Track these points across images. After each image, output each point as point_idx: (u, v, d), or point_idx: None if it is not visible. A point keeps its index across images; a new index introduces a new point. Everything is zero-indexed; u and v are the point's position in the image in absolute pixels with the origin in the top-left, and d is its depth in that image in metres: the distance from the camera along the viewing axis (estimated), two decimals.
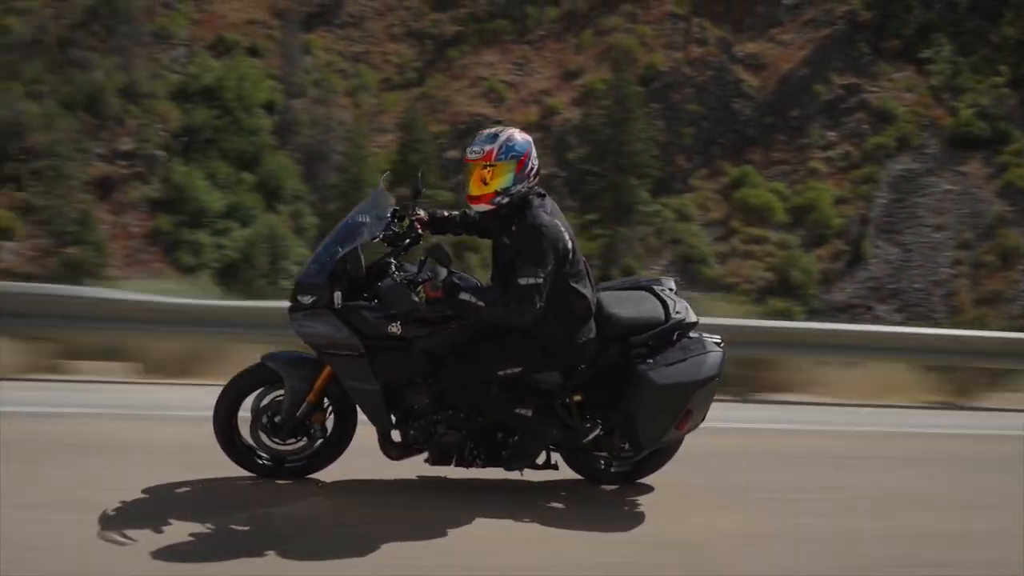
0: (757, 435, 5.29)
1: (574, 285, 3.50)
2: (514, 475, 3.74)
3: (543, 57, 37.03)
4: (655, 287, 3.86)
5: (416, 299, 3.46)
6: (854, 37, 38.00)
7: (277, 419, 3.58)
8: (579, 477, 3.95)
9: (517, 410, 3.54)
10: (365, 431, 3.65)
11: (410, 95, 35.94)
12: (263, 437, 3.63)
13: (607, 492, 3.95)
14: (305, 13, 37.21)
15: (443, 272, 3.48)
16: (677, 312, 3.68)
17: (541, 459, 3.71)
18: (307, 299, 3.47)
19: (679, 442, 3.86)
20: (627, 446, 3.68)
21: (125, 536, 3.08)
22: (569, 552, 3.29)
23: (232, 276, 25.77)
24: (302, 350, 3.73)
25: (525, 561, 3.20)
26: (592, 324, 3.58)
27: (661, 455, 3.87)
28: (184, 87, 33.46)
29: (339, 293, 3.45)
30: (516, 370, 3.51)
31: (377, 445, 3.65)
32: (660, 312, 3.67)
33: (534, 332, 3.46)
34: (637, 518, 3.68)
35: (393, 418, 3.60)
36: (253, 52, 35.82)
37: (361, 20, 38.42)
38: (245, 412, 3.65)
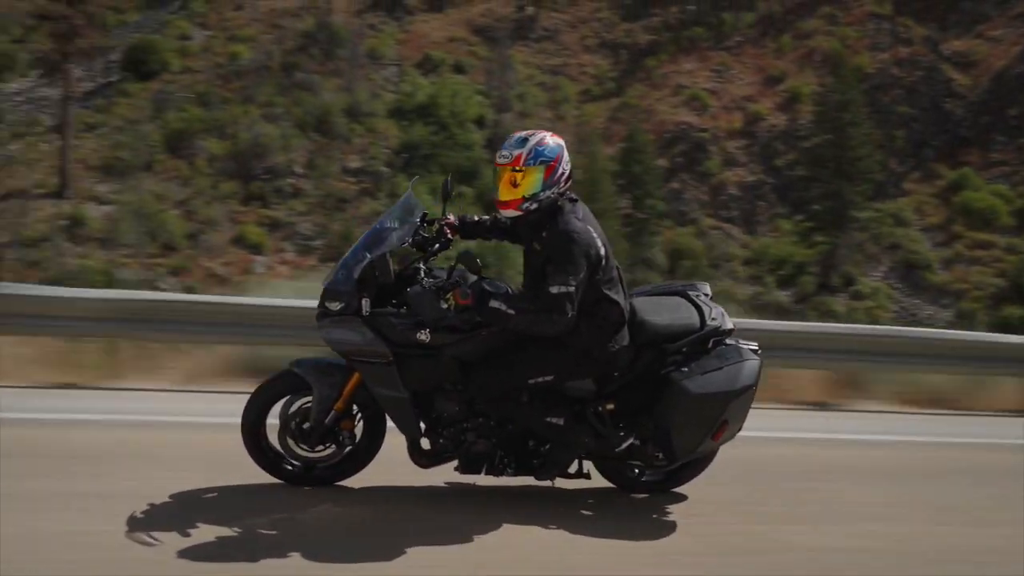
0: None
1: (607, 292, 3.38)
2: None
3: (742, 63, 36.82)
4: (690, 292, 3.73)
5: (444, 306, 3.35)
6: None
7: (306, 426, 3.49)
8: (610, 485, 3.82)
9: (548, 419, 3.40)
10: (394, 438, 3.56)
11: (609, 105, 36.36)
12: (291, 444, 3.54)
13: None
14: (505, 29, 38.17)
15: (472, 278, 3.39)
16: (713, 319, 3.55)
17: (573, 468, 3.59)
18: (335, 305, 3.38)
19: (715, 452, 3.71)
20: (661, 456, 3.52)
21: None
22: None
23: None
24: (331, 356, 3.66)
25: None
26: (625, 331, 3.44)
27: (696, 464, 3.74)
28: (400, 105, 34.89)
29: (367, 300, 3.36)
30: (548, 379, 3.38)
31: (406, 452, 3.55)
32: (695, 319, 3.54)
33: (566, 340, 3.34)
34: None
35: (423, 426, 3.49)
36: (458, 69, 37.02)
37: (556, 33, 39.15)
38: (272, 419, 3.59)
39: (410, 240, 3.53)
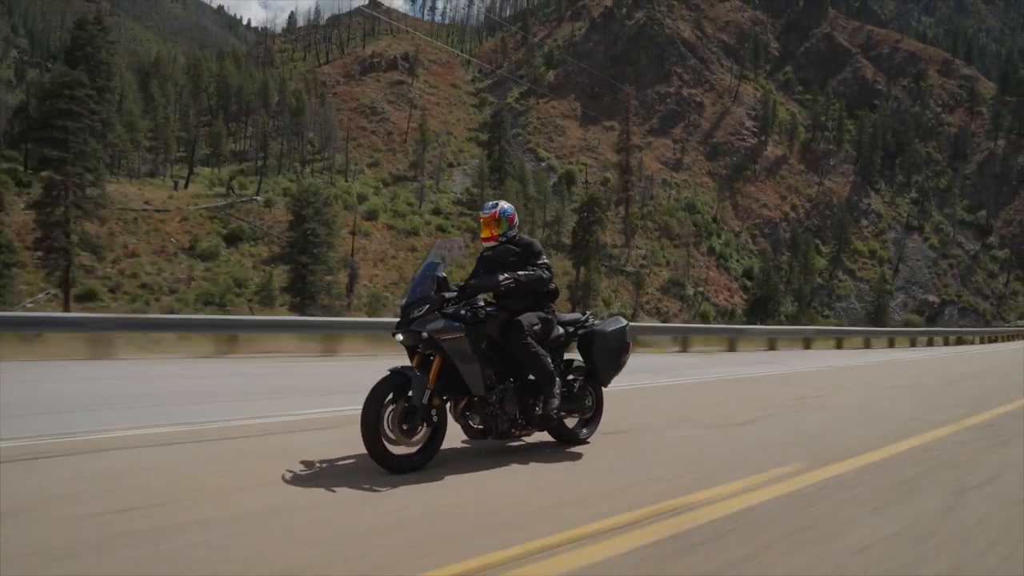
0: None
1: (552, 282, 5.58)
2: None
3: None
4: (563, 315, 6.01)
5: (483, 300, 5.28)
6: None
7: (408, 408, 4.79)
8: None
9: (544, 358, 5.28)
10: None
11: None
12: (396, 432, 4.75)
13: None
14: None
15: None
16: (585, 314, 6.05)
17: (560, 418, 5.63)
18: (422, 309, 5.01)
19: (601, 411, 6.06)
20: (597, 382, 5.92)
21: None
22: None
23: None
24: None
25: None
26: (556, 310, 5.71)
27: (598, 418, 6.05)
28: None
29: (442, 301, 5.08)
30: (537, 326, 5.41)
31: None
32: (579, 316, 5.99)
33: (536, 306, 5.51)
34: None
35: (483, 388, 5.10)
36: None
37: None
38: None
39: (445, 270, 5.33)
